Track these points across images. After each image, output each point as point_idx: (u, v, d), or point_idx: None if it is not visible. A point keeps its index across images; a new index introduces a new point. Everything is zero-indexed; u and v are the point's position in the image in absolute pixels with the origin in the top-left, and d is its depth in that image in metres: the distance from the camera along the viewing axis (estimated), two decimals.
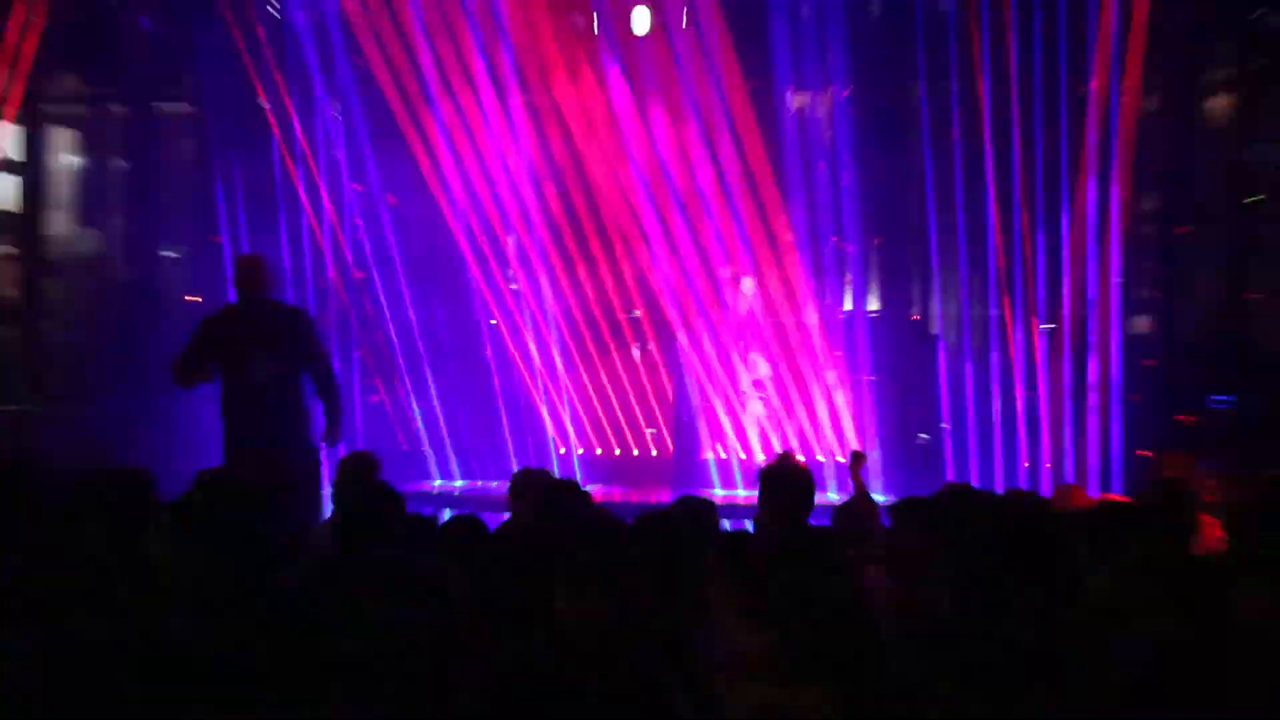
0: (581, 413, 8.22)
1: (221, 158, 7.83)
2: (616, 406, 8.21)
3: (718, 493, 7.46)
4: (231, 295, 5.66)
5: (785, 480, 3.58)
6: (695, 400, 7.85)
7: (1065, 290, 6.99)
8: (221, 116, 7.86)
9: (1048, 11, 6.97)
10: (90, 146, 7.87)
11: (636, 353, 8.21)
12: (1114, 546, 2.84)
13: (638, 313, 8.10)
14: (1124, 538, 2.87)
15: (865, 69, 7.55)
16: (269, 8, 7.95)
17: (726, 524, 4.40)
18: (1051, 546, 2.74)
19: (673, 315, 7.88)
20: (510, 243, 8.08)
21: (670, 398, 8.05)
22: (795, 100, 7.74)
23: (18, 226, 7.46)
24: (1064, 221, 6.99)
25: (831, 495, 7.22)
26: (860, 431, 7.53)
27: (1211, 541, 3.74)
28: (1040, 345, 7.11)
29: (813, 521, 3.63)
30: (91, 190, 7.83)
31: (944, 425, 7.28)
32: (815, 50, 7.51)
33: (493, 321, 8.16)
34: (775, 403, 7.81)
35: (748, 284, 7.77)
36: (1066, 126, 6.93)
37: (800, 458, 6.50)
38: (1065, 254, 6.99)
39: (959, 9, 7.16)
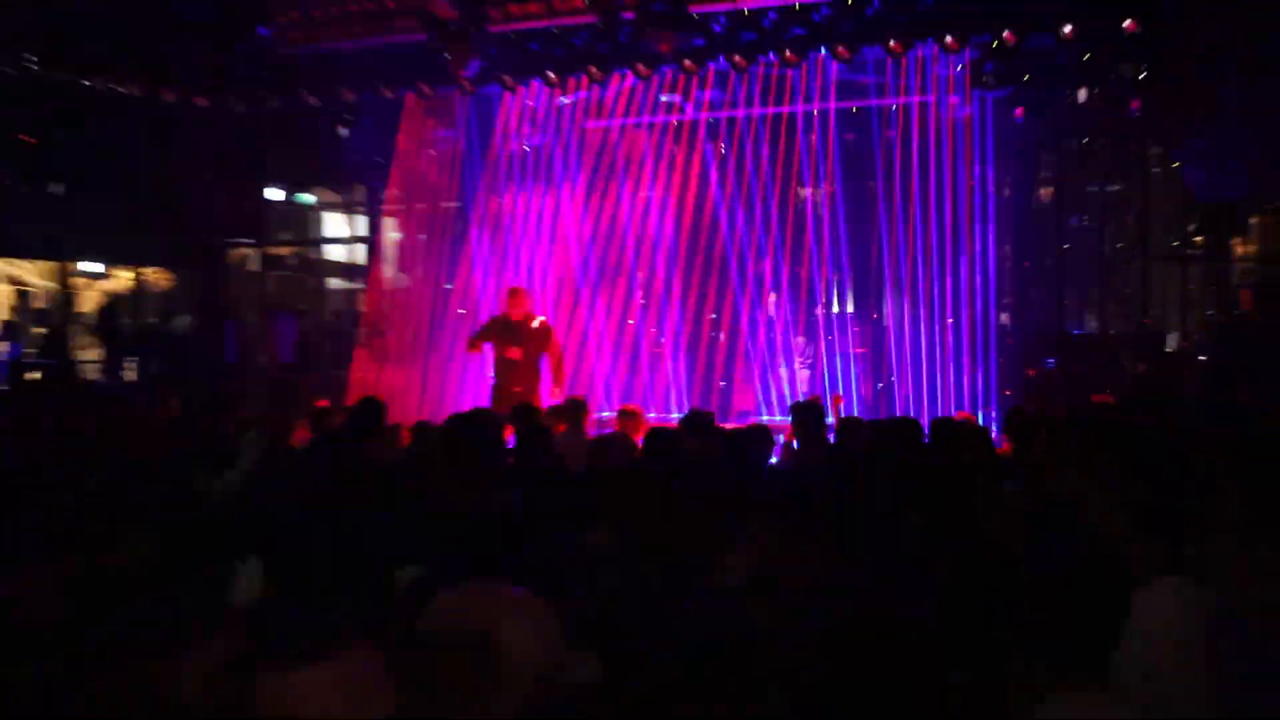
0: None
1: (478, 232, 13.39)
2: None
3: None
4: (494, 310, 11.07)
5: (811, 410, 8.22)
6: None
7: (964, 299, 11.81)
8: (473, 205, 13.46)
9: (951, 138, 11.82)
10: (399, 229, 13.68)
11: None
12: None
13: None
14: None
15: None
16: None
17: None
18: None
19: None
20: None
21: None
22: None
23: (365, 273, 13.33)
24: (963, 260, 11.80)
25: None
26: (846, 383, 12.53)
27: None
28: (950, 334, 11.96)
29: None
30: (404, 251, 13.61)
31: (893, 379, 12.20)
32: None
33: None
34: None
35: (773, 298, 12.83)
36: (964, 205, 11.76)
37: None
38: (964, 280, 11.80)
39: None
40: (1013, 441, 6.36)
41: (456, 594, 2.06)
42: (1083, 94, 11.28)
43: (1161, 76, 10.75)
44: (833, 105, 11.82)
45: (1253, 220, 11.02)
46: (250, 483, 5.02)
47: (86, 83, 11.02)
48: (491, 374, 9.71)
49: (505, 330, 9.43)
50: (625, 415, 7.65)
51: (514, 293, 9.65)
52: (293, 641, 1.78)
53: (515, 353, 9.24)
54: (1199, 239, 11.13)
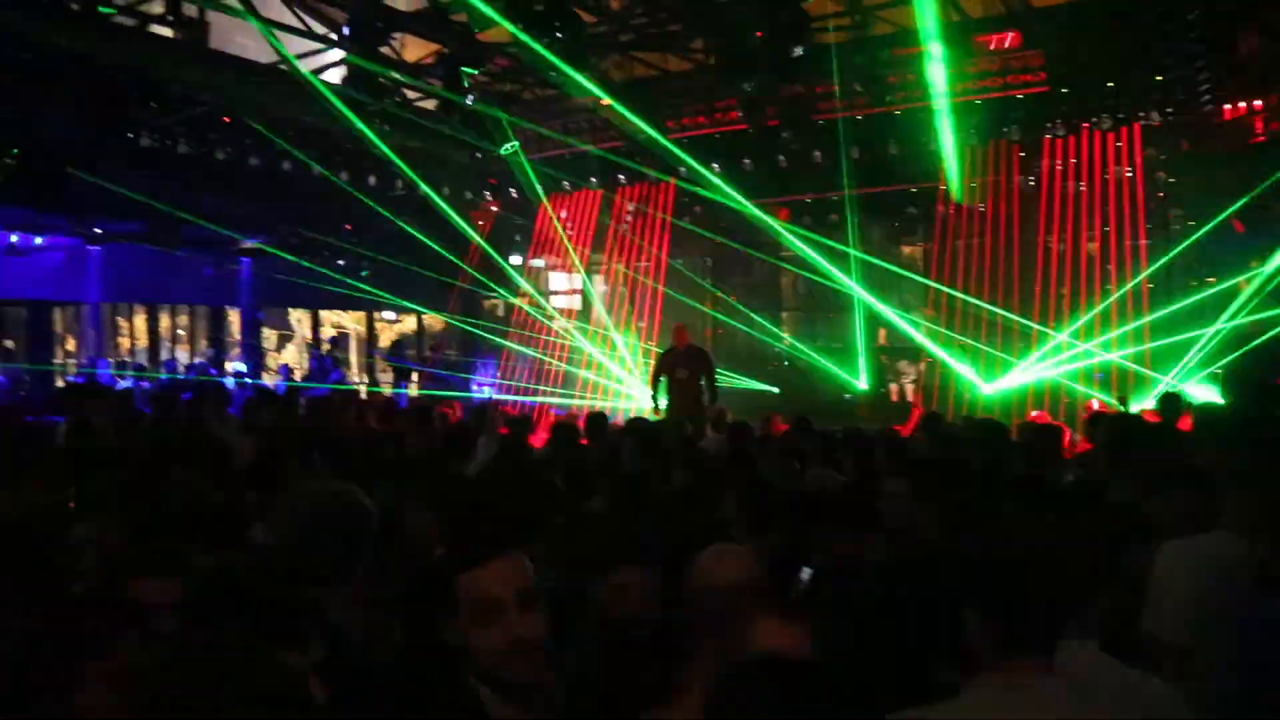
0: None
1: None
2: None
3: None
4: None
5: None
6: None
7: None
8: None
9: None
10: (604, 282, 18.24)
11: None
12: None
13: None
14: None
15: None
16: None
17: None
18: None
19: None
20: None
21: None
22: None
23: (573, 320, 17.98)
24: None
25: None
26: None
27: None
28: None
29: None
30: (601, 301, 18.17)
31: None
32: None
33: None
34: None
35: None
36: None
37: None
38: None
39: None
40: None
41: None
42: None
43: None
44: None
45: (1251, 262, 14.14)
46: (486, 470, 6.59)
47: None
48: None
49: (672, 356, 13.28)
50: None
51: (678, 329, 13.64)
52: None
53: (682, 373, 13.15)
54: (1211, 279, 14.30)
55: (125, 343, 22.28)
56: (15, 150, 11.71)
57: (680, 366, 13.03)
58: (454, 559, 2.27)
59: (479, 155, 16.05)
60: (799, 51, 10.78)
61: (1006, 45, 13.88)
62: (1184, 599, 3.06)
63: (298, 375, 19.42)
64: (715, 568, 2.72)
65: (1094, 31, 12.93)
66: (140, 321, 21.81)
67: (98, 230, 15.90)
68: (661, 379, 13.04)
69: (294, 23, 12.72)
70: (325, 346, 20.73)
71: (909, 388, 17.23)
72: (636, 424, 9.03)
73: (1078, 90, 14.07)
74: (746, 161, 15.88)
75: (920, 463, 4.86)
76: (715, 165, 15.56)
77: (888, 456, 5.64)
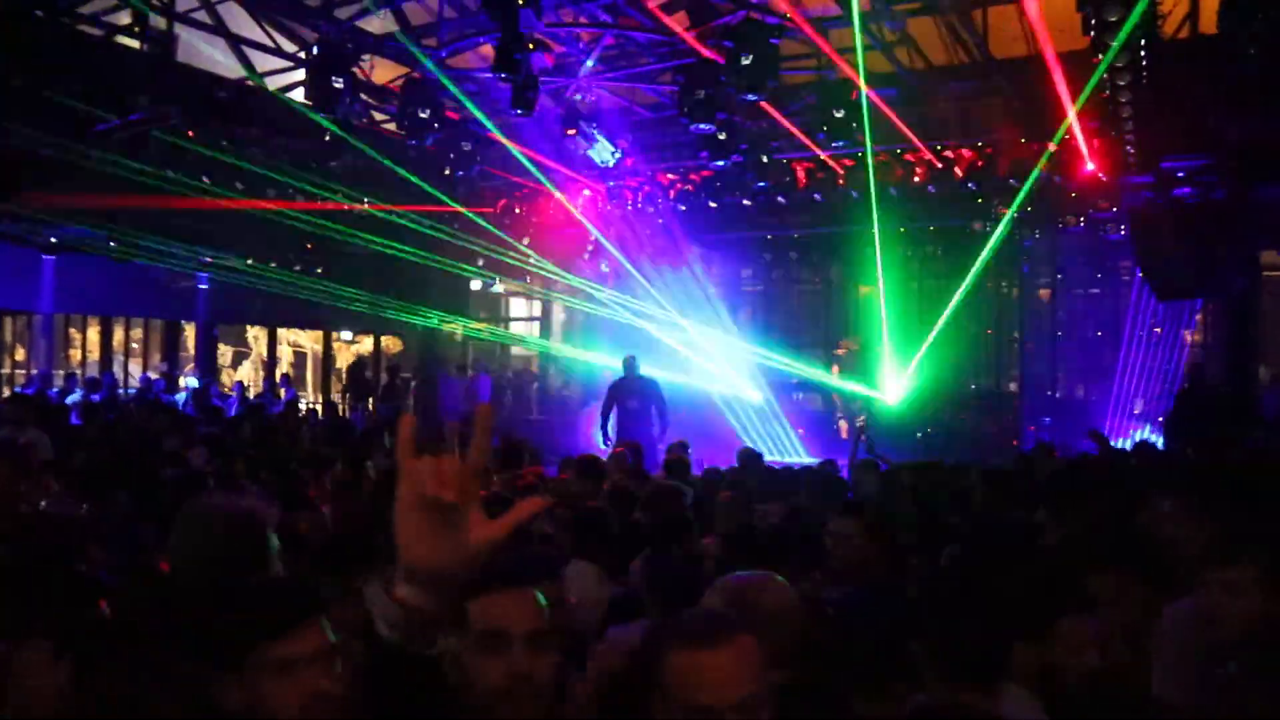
0: None
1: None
2: None
3: None
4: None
5: None
6: None
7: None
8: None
9: None
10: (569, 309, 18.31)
11: None
12: None
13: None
14: None
15: None
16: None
17: None
18: None
19: None
20: None
21: None
22: None
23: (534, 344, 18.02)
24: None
25: None
26: None
27: None
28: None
29: None
30: (563, 326, 18.23)
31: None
32: None
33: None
34: None
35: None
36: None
37: None
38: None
39: None
40: None
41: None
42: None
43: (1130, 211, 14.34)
44: None
45: (1198, 317, 14.47)
46: None
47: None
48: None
49: (622, 386, 13.37)
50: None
51: (629, 359, 13.68)
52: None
53: (633, 403, 13.31)
54: (1158, 329, 14.60)
55: (76, 355, 21.98)
56: None
57: (631, 397, 13.13)
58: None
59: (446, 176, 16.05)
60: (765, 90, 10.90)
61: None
62: (1177, 660, 3.01)
63: (251, 394, 19.26)
64: None
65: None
66: (94, 334, 21.53)
67: (53, 239, 15.70)
68: (611, 410, 13.12)
69: (264, 40, 12.73)
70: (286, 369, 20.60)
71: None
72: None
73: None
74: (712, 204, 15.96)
75: (864, 504, 4.93)
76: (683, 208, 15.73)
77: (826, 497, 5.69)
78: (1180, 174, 13.02)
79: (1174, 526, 3.78)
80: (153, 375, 18.84)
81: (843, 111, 12.11)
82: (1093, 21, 9.05)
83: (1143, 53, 9.57)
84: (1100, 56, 9.49)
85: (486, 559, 1.40)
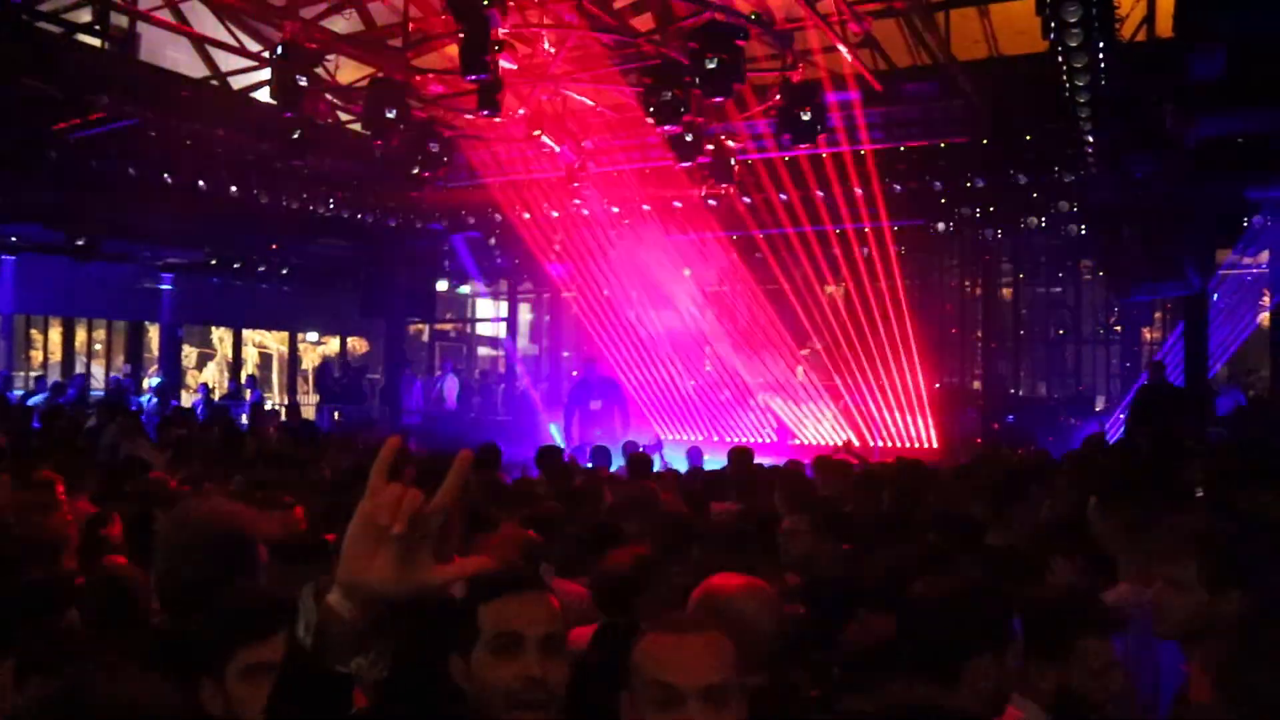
0: None
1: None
2: None
3: None
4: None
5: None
6: None
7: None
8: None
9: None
10: (534, 311, 18.31)
11: None
12: None
13: None
14: None
15: None
16: None
17: None
18: None
19: None
20: None
21: None
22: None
23: (501, 346, 17.99)
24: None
25: None
26: None
27: None
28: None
29: None
30: (528, 327, 18.24)
31: None
32: None
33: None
34: None
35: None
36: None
37: None
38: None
39: None
40: None
41: None
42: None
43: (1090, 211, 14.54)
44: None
45: (1156, 315, 14.71)
46: None
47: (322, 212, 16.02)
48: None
49: (585, 387, 13.61)
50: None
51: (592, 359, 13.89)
52: None
53: (595, 404, 13.48)
54: (1118, 327, 14.86)
55: (38, 356, 21.71)
56: None
57: (594, 397, 13.24)
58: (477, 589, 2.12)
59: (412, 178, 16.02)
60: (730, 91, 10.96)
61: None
62: None
63: (216, 395, 19.12)
64: None
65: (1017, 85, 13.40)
66: (55, 335, 21.29)
67: (13, 239, 15.53)
68: (575, 410, 13.23)
69: (228, 39, 12.66)
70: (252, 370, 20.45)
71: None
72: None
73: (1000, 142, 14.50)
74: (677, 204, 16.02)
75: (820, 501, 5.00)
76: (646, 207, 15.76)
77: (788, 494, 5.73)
78: (1138, 174, 13.33)
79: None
80: (121, 376, 18.67)
81: (808, 113, 12.21)
82: (1052, 24, 9.19)
83: (1100, 55, 9.71)
84: (1060, 58, 9.63)
85: (419, 596, 1.42)
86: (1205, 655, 2.64)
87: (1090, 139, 11.72)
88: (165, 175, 13.05)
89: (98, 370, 20.63)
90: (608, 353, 14.40)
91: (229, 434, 11.13)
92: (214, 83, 12.83)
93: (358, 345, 20.49)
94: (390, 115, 12.34)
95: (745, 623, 2.50)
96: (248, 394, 18.48)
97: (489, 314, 19.12)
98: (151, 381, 18.67)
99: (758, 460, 8.54)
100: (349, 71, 14.02)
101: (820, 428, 16.00)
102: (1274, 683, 2.20)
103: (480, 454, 8.29)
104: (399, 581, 1.39)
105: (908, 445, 14.81)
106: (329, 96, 13.46)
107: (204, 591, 2.53)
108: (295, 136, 12.55)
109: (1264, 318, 14.33)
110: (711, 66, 10.50)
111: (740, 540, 3.91)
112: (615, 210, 16.27)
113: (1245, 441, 10.94)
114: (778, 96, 12.45)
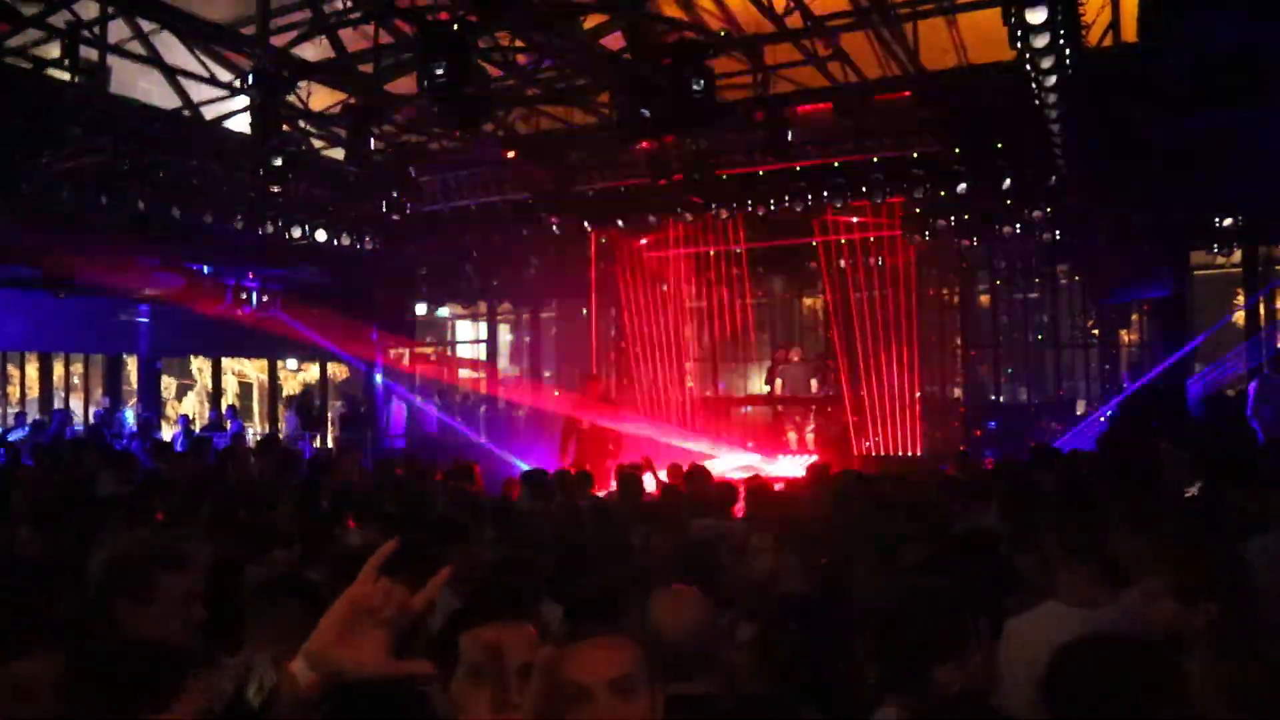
0: None
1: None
2: None
3: None
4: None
5: None
6: None
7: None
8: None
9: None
10: (514, 331, 18.29)
11: None
12: None
13: None
14: None
15: None
16: None
17: None
18: None
19: None
20: None
21: None
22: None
23: (483, 369, 17.97)
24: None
25: None
26: None
27: None
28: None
29: None
30: (508, 348, 18.20)
31: None
32: None
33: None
34: None
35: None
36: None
37: None
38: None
39: None
40: None
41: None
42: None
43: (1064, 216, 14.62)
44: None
45: (1134, 317, 14.80)
46: None
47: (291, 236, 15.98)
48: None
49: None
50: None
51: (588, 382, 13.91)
52: None
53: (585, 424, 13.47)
54: (1096, 330, 14.94)
55: (15, 392, 21.53)
56: None
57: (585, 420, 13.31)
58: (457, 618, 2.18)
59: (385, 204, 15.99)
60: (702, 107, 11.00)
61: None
62: (1025, 678, 2.88)
63: (197, 426, 18.99)
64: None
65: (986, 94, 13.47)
66: (32, 370, 21.12)
67: None
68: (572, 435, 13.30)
69: (198, 69, 12.63)
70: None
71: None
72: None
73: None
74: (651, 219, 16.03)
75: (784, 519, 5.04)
76: (620, 223, 15.77)
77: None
78: (1110, 178, 13.42)
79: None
80: (103, 410, 18.53)
81: (779, 126, 12.29)
82: (1019, 32, 9.24)
83: (1068, 60, 9.78)
84: (1028, 64, 9.68)
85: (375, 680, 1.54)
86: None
87: (1060, 144, 11.80)
88: (139, 204, 12.98)
89: (76, 404, 20.48)
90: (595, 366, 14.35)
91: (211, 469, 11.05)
92: (186, 113, 12.78)
93: (338, 372, 20.42)
94: (366, 140, 12.37)
95: (661, 626, 2.67)
96: (228, 424, 18.38)
97: (469, 336, 19.08)
98: (127, 414, 18.50)
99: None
100: (322, 97, 14.00)
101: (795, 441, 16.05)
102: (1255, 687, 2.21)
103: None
104: (370, 664, 1.52)
105: (892, 453, 14.88)
106: (302, 124, 13.44)
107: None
108: (277, 163, 12.51)
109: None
110: (697, 89, 10.54)
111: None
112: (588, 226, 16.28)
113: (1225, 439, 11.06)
114: (750, 111, 12.54)
